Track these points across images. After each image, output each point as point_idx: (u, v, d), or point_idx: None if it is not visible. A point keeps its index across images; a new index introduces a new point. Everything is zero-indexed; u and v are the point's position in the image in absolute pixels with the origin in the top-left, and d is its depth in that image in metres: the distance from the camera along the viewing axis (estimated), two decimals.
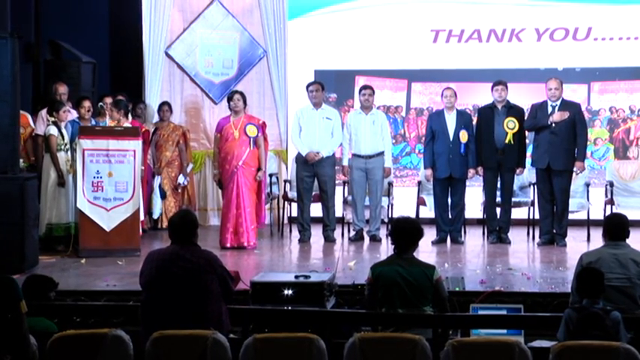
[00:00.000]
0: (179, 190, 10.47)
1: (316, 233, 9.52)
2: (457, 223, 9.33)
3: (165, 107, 10.49)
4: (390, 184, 9.87)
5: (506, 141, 9.05)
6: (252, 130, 9.01)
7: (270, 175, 10.11)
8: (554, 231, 9.02)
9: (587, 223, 9.47)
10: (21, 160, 8.38)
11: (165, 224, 9.96)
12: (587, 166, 9.92)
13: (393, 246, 5.73)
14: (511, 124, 9.05)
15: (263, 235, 9.71)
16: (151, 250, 5.71)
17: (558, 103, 8.97)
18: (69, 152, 8.77)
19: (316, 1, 11.14)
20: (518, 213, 9.63)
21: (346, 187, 9.82)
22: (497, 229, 9.25)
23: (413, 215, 9.15)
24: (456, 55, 10.90)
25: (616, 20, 10.67)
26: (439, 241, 9.19)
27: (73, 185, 8.65)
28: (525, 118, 9.21)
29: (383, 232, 9.38)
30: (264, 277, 6.42)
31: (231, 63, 11.03)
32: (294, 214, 9.87)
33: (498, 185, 9.25)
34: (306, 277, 6.23)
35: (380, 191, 9.50)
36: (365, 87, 9.59)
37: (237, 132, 9.01)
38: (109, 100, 9.55)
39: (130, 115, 9.70)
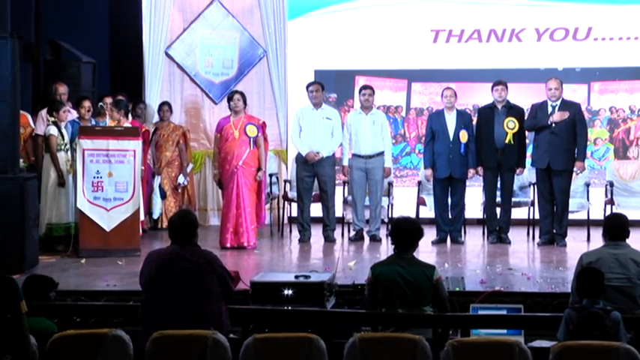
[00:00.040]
0: (179, 190, 10.47)
1: (316, 233, 9.52)
2: (457, 223, 9.33)
3: (165, 107, 10.49)
4: (390, 184, 9.87)
5: (507, 141, 9.05)
6: (252, 130, 9.01)
7: (270, 175, 10.11)
8: (554, 231, 9.02)
9: (587, 223, 9.47)
10: (21, 160, 8.37)
11: (165, 224, 9.96)
12: (587, 166, 9.92)
13: (393, 246, 5.73)
14: (511, 124, 9.05)
15: (263, 235, 9.71)
16: (151, 250, 5.71)
17: (558, 103, 8.97)
18: (69, 152, 8.77)
19: (316, 1, 11.14)
20: (518, 213, 9.63)
21: (346, 187, 9.82)
22: (497, 229, 9.24)
23: (413, 215, 9.14)
24: (456, 55, 10.90)
25: (616, 20, 10.67)
26: (439, 241, 9.19)
27: (73, 185, 8.65)
28: (525, 118, 9.21)
29: (383, 232, 9.38)
30: (264, 277, 6.42)
31: (231, 63, 11.03)
32: (294, 214, 9.87)
33: (498, 185, 9.25)
34: (306, 277, 6.23)
35: (380, 191, 9.50)
36: (365, 87, 9.59)
37: (237, 132, 9.01)
38: (109, 100, 9.55)
39: (130, 115, 9.70)
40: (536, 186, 9.31)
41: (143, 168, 9.17)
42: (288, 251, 9.22)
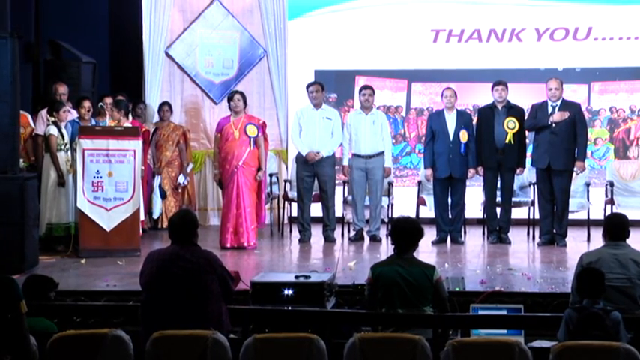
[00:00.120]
0: (179, 190, 10.47)
1: (316, 233, 9.52)
2: (457, 223, 9.33)
3: (165, 107, 10.50)
4: (390, 184, 9.87)
5: (507, 141, 9.05)
6: (252, 130, 9.01)
7: (270, 175, 10.11)
8: (555, 231, 9.02)
9: (587, 223, 9.47)
10: (21, 160, 8.37)
11: (165, 224, 9.97)
12: (588, 166, 9.92)
13: (393, 246, 5.73)
14: (511, 124, 9.05)
15: (263, 235, 9.71)
16: (151, 250, 5.71)
17: (558, 103, 8.97)
18: (69, 152, 8.77)
19: (316, 1, 11.14)
20: (518, 213, 9.63)
21: (346, 187, 9.82)
22: (497, 229, 9.24)
23: (413, 215, 9.14)
24: (456, 55, 10.91)
25: (616, 20, 10.68)
26: (439, 241, 9.19)
27: (73, 185, 8.65)
28: (525, 118, 9.21)
29: (383, 232, 9.38)
30: (264, 277, 6.42)
31: (231, 63, 11.03)
32: (294, 214, 9.88)
33: (498, 185, 9.25)
34: (306, 277, 6.23)
35: (380, 191, 9.50)
36: (365, 87, 9.59)
37: (237, 132, 9.01)
38: (109, 100, 9.56)
39: (130, 115, 9.70)
40: (536, 186, 9.31)
41: (143, 168, 9.17)
42: (288, 251, 9.22)
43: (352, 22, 11.02)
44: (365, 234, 9.45)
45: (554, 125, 8.89)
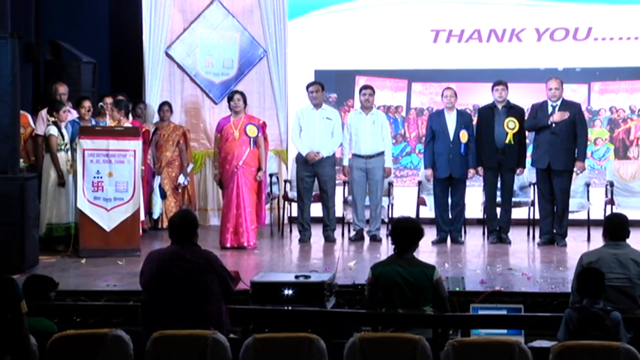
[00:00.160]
0: (179, 190, 10.47)
1: (316, 233, 9.52)
2: (457, 223, 9.33)
3: (165, 107, 10.50)
4: (391, 184, 9.87)
5: (507, 141, 9.04)
6: (252, 130, 9.01)
7: (271, 175, 10.11)
8: (555, 231, 9.01)
9: (588, 223, 9.47)
10: (21, 160, 8.37)
11: (165, 224, 9.97)
12: (588, 166, 9.92)
13: (393, 246, 5.73)
14: (511, 124, 9.04)
15: (263, 235, 9.71)
16: (151, 250, 5.72)
17: (558, 103, 8.97)
18: (69, 152, 8.77)
19: (316, 1, 11.14)
20: (518, 213, 9.63)
21: (346, 187, 9.82)
22: (497, 229, 9.24)
23: (413, 215, 9.14)
24: (456, 55, 10.90)
25: (616, 20, 10.67)
26: (439, 241, 9.19)
27: (73, 185, 8.65)
28: (525, 118, 9.21)
29: (383, 232, 9.38)
30: (264, 277, 6.42)
31: (231, 63, 11.03)
32: (294, 214, 9.88)
33: (498, 185, 9.25)
34: (306, 277, 6.23)
35: (380, 191, 9.50)
36: (365, 87, 9.59)
37: (237, 132, 9.01)
38: (109, 100, 9.56)
39: (130, 115, 9.70)
40: (536, 186, 9.31)
41: (143, 168, 9.17)
42: (288, 251, 9.22)
43: (352, 22, 11.02)
44: (365, 234, 9.45)
45: (554, 125, 8.89)
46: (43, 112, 9.14)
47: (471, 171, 9.21)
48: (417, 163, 10.91)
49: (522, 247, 9.07)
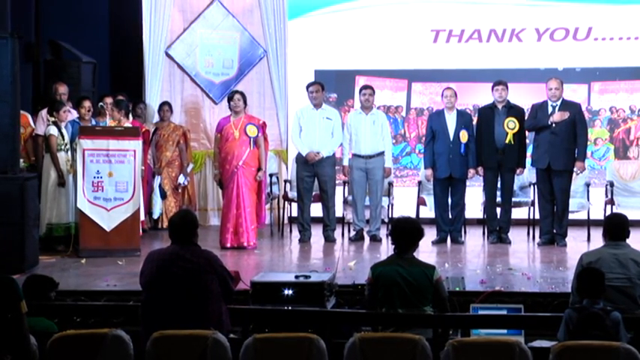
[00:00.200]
0: (179, 190, 10.47)
1: (316, 233, 9.52)
2: (457, 223, 9.33)
3: (165, 107, 10.50)
4: (391, 184, 9.87)
5: (507, 141, 9.04)
6: (252, 130, 9.01)
7: (271, 175, 10.11)
8: (555, 231, 9.01)
9: (588, 223, 9.47)
10: (21, 160, 8.38)
11: (165, 224, 9.97)
12: (588, 166, 9.92)
13: (393, 246, 5.73)
14: (511, 124, 9.04)
15: (263, 235, 9.71)
16: (151, 250, 5.72)
17: (559, 103, 8.97)
18: (69, 152, 8.78)
19: (316, 1, 11.14)
20: (518, 213, 9.63)
21: (346, 187, 9.82)
22: (497, 229, 9.24)
23: (413, 215, 9.15)
24: (456, 55, 10.90)
25: (616, 20, 10.67)
26: (439, 241, 9.19)
27: (74, 185, 8.65)
28: (525, 118, 9.21)
29: (383, 232, 9.38)
30: (264, 277, 6.42)
31: (231, 63, 11.03)
32: (294, 214, 9.88)
33: (498, 185, 9.25)
34: (306, 277, 6.23)
35: (380, 191, 9.50)
36: (365, 87, 9.59)
37: (237, 132, 9.01)
38: (109, 100, 9.56)
39: (130, 115, 9.70)
40: (536, 186, 9.31)
41: (143, 168, 9.17)
42: (288, 251, 9.22)
43: (352, 22, 11.02)
44: (365, 234, 9.45)
45: (554, 125, 8.89)
46: (43, 112, 9.14)
47: (471, 171, 9.21)
48: (417, 163, 10.91)
49: (522, 247, 9.07)
